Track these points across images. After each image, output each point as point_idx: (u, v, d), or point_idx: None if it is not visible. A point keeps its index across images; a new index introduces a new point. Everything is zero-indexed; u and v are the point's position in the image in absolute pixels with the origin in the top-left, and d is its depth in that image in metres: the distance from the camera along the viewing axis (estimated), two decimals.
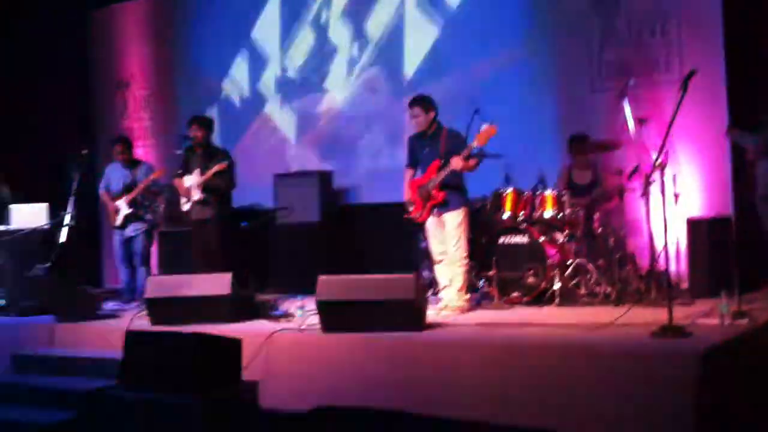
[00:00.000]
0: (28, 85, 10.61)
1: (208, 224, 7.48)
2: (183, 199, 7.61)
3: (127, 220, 8.05)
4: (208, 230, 7.48)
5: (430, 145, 6.38)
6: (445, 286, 6.35)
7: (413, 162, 6.55)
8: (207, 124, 7.65)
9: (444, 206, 6.29)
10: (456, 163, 6.12)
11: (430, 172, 6.31)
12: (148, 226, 8.14)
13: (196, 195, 7.43)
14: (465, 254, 6.30)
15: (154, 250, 8.69)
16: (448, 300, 6.27)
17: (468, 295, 6.37)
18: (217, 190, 7.45)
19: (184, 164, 7.66)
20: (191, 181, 7.48)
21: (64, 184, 8.02)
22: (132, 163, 8.26)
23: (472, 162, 6.23)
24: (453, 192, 6.30)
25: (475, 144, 6.11)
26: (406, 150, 6.70)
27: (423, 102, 6.42)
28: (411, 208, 6.44)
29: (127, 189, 8.04)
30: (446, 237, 6.30)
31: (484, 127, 6.09)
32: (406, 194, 6.49)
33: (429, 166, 6.34)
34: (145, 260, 8.12)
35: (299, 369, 5.26)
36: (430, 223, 6.39)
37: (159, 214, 8.28)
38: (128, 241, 8.11)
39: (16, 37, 10.64)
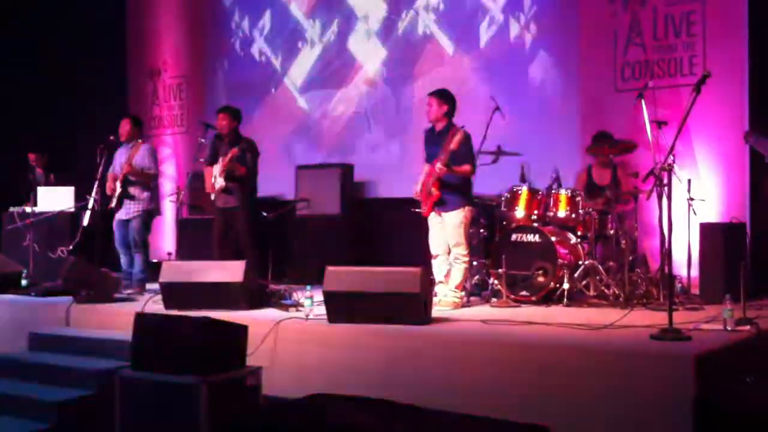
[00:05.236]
0: (65, 71, 10.87)
1: (233, 213, 7.57)
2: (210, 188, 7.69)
3: (120, 201, 7.68)
4: (232, 218, 7.59)
5: (438, 142, 6.38)
6: (439, 282, 6.38)
7: (427, 157, 6.56)
8: (233, 114, 7.67)
9: (443, 205, 6.32)
10: (438, 169, 6.18)
11: (432, 168, 6.33)
12: (142, 210, 7.73)
13: (220, 182, 7.52)
14: (465, 253, 6.33)
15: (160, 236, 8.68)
16: (443, 295, 6.31)
17: (463, 293, 6.42)
18: (240, 179, 7.52)
19: (211, 153, 7.75)
20: (217, 169, 7.58)
21: (93, 170, 8.17)
22: (135, 143, 7.86)
23: (464, 168, 6.25)
24: (451, 191, 6.30)
25: (451, 147, 6.14)
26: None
27: (440, 94, 6.45)
28: (420, 204, 6.49)
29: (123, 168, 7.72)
30: (447, 235, 6.35)
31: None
32: (415, 194, 6.50)
33: (433, 162, 6.36)
34: (139, 245, 7.73)
35: (303, 358, 5.34)
36: (431, 218, 6.44)
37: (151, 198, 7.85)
38: (125, 224, 7.76)
39: (56, 22, 10.89)
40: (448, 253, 6.41)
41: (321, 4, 9.92)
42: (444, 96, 6.45)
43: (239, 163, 7.45)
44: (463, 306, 6.36)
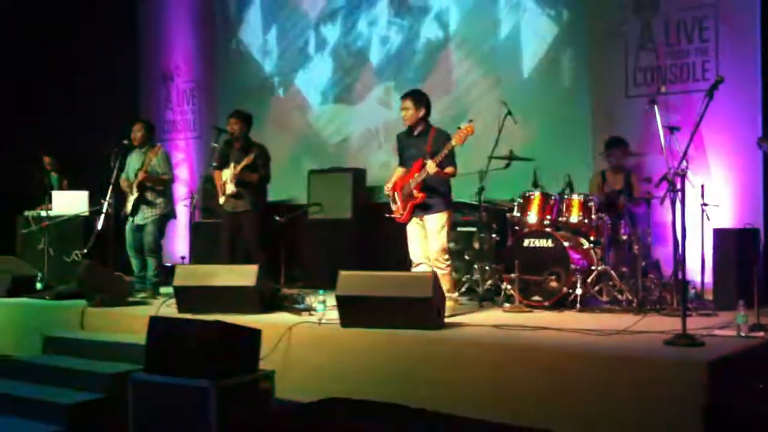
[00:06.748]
0: (79, 76, 10.94)
1: (242, 216, 7.60)
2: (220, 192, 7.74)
3: (136, 206, 7.72)
4: (241, 223, 7.61)
5: (417, 144, 6.28)
6: None
7: (403, 161, 6.46)
8: (245, 118, 7.71)
9: (425, 209, 6.20)
10: (430, 167, 6.02)
11: (413, 171, 6.21)
12: (158, 214, 7.73)
13: (230, 188, 7.56)
14: (447, 257, 6.24)
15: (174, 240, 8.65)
16: None
17: (455, 294, 6.37)
18: (250, 184, 7.57)
19: (220, 157, 7.78)
20: (227, 174, 7.62)
21: (107, 174, 8.20)
22: (148, 148, 7.86)
23: (448, 170, 6.12)
24: (435, 195, 6.18)
25: (452, 143, 6.01)
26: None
27: (415, 96, 6.30)
28: (393, 207, 6.37)
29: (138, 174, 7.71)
30: (428, 239, 6.22)
31: (463, 125, 5.99)
32: (386, 190, 6.39)
33: (413, 165, 6.24)
34: (153, 249, 7.74)
35: (316, 362, 5.35)
36: (411, 225, 6.30)
37: (166, 202, 7.85)
38: (139, 229, 7.74)
39: (69, 27, 10.97)
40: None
41: (333, 12, 9.95)
42: (419, 98, 6.28)
43: (250, 171, 7.48)
44: (461, 305, 6.37)
